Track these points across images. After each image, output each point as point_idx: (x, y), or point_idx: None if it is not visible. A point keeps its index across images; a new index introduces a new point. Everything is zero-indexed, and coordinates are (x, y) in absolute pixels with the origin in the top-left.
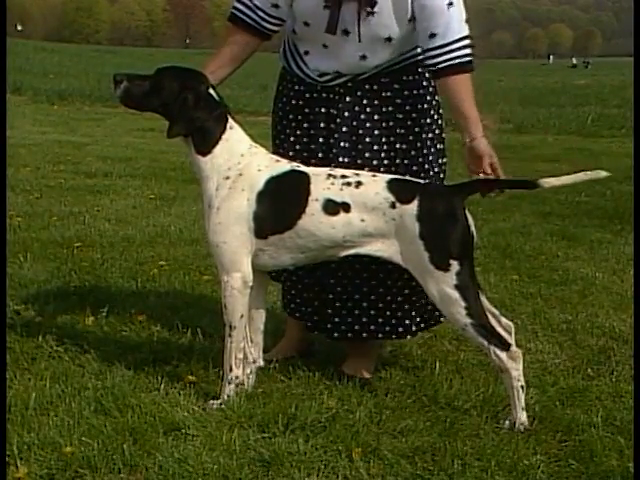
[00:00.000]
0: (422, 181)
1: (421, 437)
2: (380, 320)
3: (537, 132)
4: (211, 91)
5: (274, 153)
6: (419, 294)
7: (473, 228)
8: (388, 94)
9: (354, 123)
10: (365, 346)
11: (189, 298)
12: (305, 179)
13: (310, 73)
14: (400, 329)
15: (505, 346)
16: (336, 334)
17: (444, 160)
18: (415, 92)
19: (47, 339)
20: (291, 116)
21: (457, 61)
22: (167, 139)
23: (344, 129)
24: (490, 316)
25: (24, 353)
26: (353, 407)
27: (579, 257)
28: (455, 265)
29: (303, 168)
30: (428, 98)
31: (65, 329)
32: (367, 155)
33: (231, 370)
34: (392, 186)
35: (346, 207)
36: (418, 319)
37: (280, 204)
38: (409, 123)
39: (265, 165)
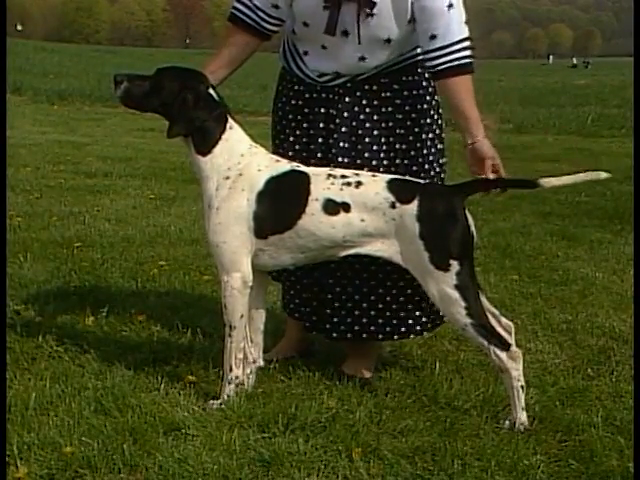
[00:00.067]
0: (422, 181)
1: (421, 437)
2: (380, 321)
3: (537, 132)
4: (211, 91)
5: (274, 153)
6: (423, 294)
7: (473, 228)
8: (388, 94)
9: (353, 123)
10: (365, 346)
11: (189, 298)
12: (305, 179)
13: (309, 73)
14: (402, 329)
15: (505, 346)
16: (335, 334)
17: (444, 160)
18: (415, 92)
19: (47, 339)
20: (291, 116)
21: (457, 63)
22: (167, 139)
23: (343, 129)
24: (490, 316)
25: (24, 353)
26: (353, 407)
27: (579, 257)
28: (455, 265)
29: (303, 168)
30: (428, 98)
31: (65, 329)
32: (366, 155)
33: (231, 370)
34: (392, 186)
35: (346, 207)
36: (424, 319)
37: (280, 204)
38: (409, 123)
39: (265, 165)
